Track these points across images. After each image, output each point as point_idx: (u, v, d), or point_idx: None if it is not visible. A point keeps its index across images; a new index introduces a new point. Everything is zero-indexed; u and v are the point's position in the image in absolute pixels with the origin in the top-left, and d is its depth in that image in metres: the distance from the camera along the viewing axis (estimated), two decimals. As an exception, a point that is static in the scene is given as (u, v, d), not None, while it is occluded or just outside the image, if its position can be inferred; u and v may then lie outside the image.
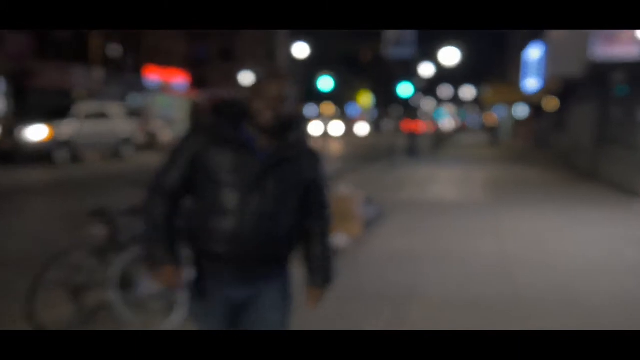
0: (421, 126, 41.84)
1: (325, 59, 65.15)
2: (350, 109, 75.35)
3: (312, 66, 63.43)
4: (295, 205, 2.55)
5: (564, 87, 19.52)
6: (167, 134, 27.32)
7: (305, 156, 2.59)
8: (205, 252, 2.49)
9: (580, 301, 5.43)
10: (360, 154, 26.94)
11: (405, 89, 21.86)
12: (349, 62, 74.41)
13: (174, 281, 2.51)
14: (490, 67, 62.63)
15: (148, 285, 4.53)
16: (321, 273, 2.71)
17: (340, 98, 73.41)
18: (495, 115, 55.21)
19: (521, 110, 39.42)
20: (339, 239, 7.45)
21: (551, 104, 26.39)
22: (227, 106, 2.55)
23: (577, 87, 18.48)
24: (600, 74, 14.63)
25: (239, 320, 2.60)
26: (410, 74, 24.03)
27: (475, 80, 77.17)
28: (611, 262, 6.94)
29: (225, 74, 50.28)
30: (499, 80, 46.78)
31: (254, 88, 2.46)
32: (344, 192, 8.34)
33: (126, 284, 4.56)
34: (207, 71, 50.70)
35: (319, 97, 67.67)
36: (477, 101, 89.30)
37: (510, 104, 39.21)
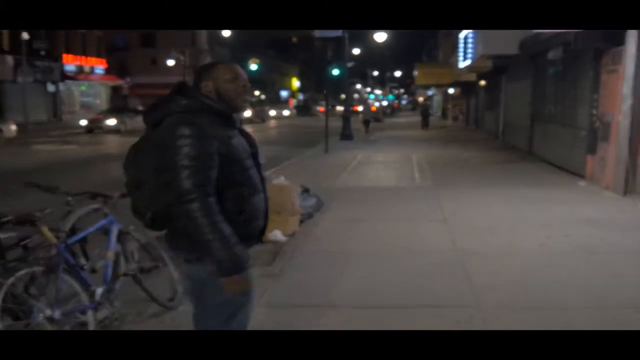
0: (354, 108, 41.47)
1: (252, 43, 63.81)
2: (282, 94, 76.87)
3: (240, 51, 61.96)
4: None
5: (496, 66, 19.34)
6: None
7: None
8: (247, 232, 2.55)
9: (538, 291, 4.87)
10: (292, 138, 26.21)
11: (336, 70, 21.28)
12: (277, 46, 73.42)
13: (249, 286, 2.53)
14: (422, 50, 62.91)
15: (47, 309, 3.70)
16: None
17: (271, 83, 72.51)
18: (426, 97, 55.68)
19: (452, 91, 39.62)
20: (273, 236, 6.66)
21: (482, 83, 26.38)
22: (191, 90, 2.58)
23: (511, 65, 18.29)
24: (536, 51, 14.36)
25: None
26: (340, 54, 23.42)
27: (407, 62, 77.96)
28: (567, 248, 6.44)
29: (147, 60, 49.63)
30: (431, 62, 46.87)
31: (232, 74, 2.60)
32: (277, 183, 7.54)
33: (19, 310, 3.68)
34: (127, 57, 49.41)
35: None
36: (408, 84, 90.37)
37: (441, 85, 39.29)
